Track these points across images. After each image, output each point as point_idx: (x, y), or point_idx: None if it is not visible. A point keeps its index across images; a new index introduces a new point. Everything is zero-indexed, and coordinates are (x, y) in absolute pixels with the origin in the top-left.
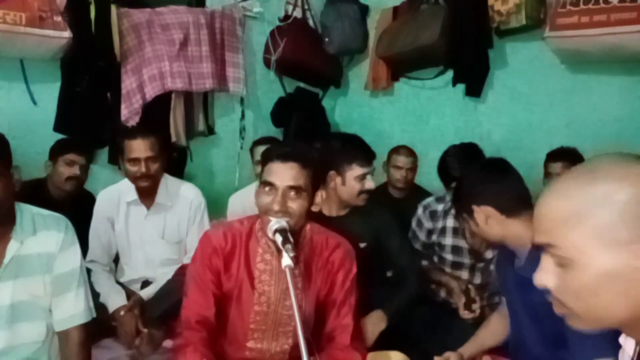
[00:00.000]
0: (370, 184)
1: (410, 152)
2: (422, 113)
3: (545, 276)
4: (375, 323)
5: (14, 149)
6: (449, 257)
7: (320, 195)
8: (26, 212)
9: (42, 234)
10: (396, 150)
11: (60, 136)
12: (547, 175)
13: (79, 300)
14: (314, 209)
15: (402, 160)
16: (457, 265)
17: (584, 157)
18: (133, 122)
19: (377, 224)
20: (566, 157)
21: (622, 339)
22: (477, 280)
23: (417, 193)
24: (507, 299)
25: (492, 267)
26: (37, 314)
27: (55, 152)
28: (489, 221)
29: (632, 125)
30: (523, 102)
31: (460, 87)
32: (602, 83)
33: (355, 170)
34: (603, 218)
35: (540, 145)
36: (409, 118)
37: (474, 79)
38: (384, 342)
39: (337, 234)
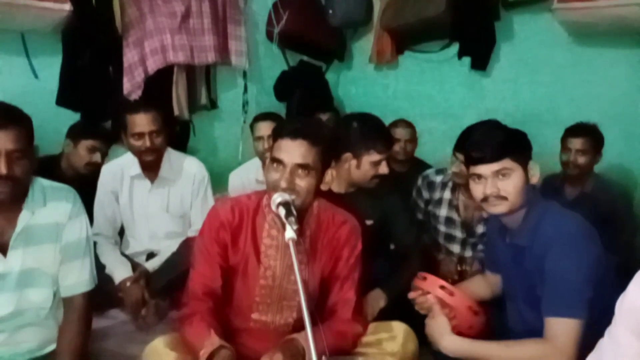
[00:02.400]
0: (385, 169)
1: (408, 124)
2: (427, 87)
3: None
4: (375, 301)
5: None
6: (442, 228)
7: (330, 174)
8: (37, 184)
9: (51, 204)
10: (394, 123)
11: (64, 113)
12: (565, 150)
13: (84, 269)
14: (323, 187)
15: (399, 132)
16: (449, 238)
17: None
18: (135, 95)
19: (386, 203)
20: (587, 133)
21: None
22: (468, 254)
23: (419, 167)
24: (502, 272)
25: (480, 246)
26: (44, 281)
27: (77, 134)
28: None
29: None
30: (529, 75)
31: (466, 60)
32: (609, 56)
33: (373, 156)
34: None
35: (546, 119)
36: (413, 92)
37: (479, 52)
38: (386, 314)
39: (344, 210)
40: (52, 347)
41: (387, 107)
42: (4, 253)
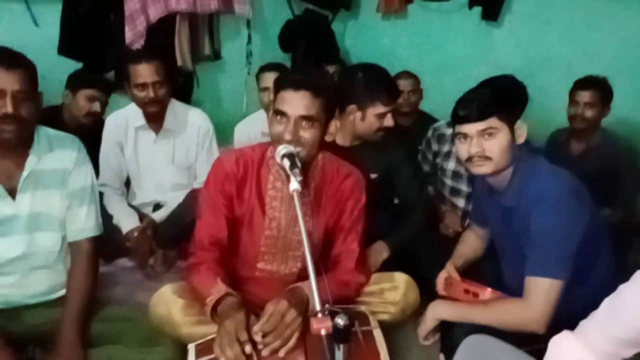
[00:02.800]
0: (390, 121)
1: (411, 75)
2: (436, 38)
3: None
4: (378, 253)
5: None
6: (448, 182)
7: (334, 125)
8: (43, 132)
9: (57, 151)
10: (396, 75)
11: (66, 63)
12: (573, 103)
13: (90, 216)
14: (328, 138)
15: (402, 83)
16: (455, 192)
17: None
18: (138, 45)
19: (390, 157)
20: (596, 86)
21: None
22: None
23: (425, 120)
24: (492, 230)
25: None
26: (53, 225)
27: (75, 84)
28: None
29: None
30: (541, 27)
31: (477, 10)
32: (624, 8)
33: (378, 108)
34: None
35: (557, 73)
36: (422, 43)
37: (491, 2)
38: (388, 265)
39: (348, 163)
40: (63, 292)
41: (394, 58)
42: (13, 196)
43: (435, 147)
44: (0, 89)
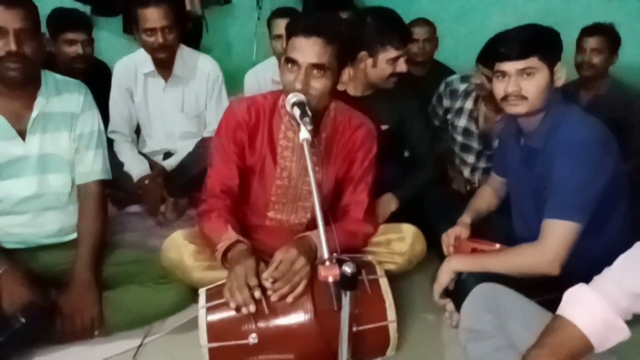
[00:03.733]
0: (403, 66)
1: (426, 22)
2: None
3: None
4: (387, 204)
5: None
6: (459, 138)
7: (347, 74)
8: (49, 76)
9: (64, 95)
10: (411, 23)
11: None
12: (580, 50)
13: (98, 159)
14: (340, 88)
15: (417, 31)
16: (465, 148)
17: (620, 35)
18: None
19: (402, 108)
20: (602, 32)
21: None
22: (482, 164)
23: (439, 70)
24: (510, 176)
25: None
26: (63, 167)
27: (52, 29)
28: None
29: None
30: None
31: None
32: None
33: (390, 53)
34: None
35: (577, 20)
36: None
37: None
38: (396, 217)
39: (361, 113)
40: (74, 235)
41: (409, 5)
42: (23, 137)
43: (447, 102)
44: (2, 26)
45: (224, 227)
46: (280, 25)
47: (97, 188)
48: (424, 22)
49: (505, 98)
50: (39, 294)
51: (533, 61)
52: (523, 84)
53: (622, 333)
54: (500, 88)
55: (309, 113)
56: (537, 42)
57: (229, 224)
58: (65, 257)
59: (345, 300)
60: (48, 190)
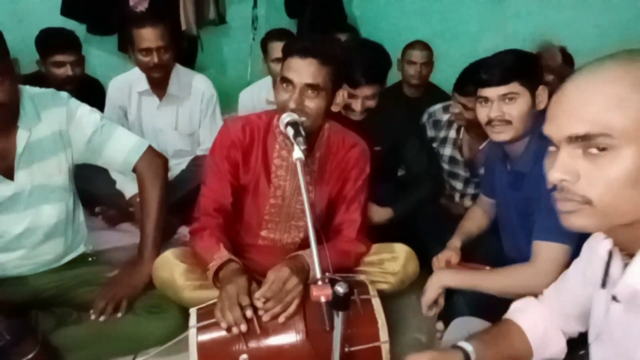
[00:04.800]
0: (355, 106)
1: (425, 46)
2: (445, 7)
3: (566, 169)
4: (383, 211)
5: (16, 36)
6: (446, 166)
7: (341, 95)
8: (25, 96)
9: (45, 115)
10: (411, 45)
11: (71, 26)
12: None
13: (125, 139)
14: (334, 109)
15: (416, 54)
16: (453, 175)
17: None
18: (142, 7)
19: (397, 129)
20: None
21: (596, 239)
22: (470, 190)
23: (433, 92)
24: (498, 199)
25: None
26: (56, 195)
27: (40, 52)
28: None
29: None
30: None
31: None
32: None
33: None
34: None
35: (568, 44)
36: (430, 12)
37: None
38: (389, 236)
39: (354, 133)
40: (70, 257)
41: (402, 27)
42: (11, 176)
43: (431, 132)
44: None
45: (216, 246)
46: (277, 48)
47: (146, 160)
48: (422, 45)
49: (489, 123)
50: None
51: (514, 86)
52: (505, 109)
53: (559, 345)
54: (483, 113)
55: (303, 133)
56: (517, 67)
57: (221, 243)
58: (57, 280)
59: (338, 320)
60: (41, 223)
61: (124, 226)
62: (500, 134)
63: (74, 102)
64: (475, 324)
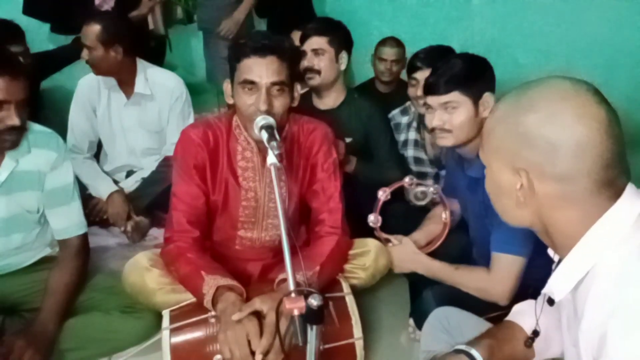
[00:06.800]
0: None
1: (397, 43)
2: (413, 6)
3: (440, 119)
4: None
5: None
6: (413, 167)
7: (298, 89)
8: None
9: (35, 151)
10: (382, 42)
11: (34, 25)
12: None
13: (73, 214)
14: (294, 104)
15: (387, 51)
16: (421, 175)
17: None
18: (107, 6)
19: (368, 122)
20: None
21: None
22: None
23: (404, 88)
24: (459, 200)
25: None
26: (28, 226)
27: None
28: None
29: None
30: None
31: None
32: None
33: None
34: (500, 136)
35: (531, 47)
36: (400, 10)
37: None
38: (359, 231)
39: (312, 118)
40: (36, 258)
41: (372, 25)
42: None
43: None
44: (5, 99)
45: (197, 276)
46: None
47: (76, 242)
48: (394, 42)
49: (432, 130)
50: None
51: (454, 95)
52: (446, 117)
53: (560, 345)
54: (429, 120)
55: (277, 137)
56: (458, 77)
57: (201, 271)
58: (24, 282)
59: (312, 334)
60: (11, 247)
61: (93, 229)
62: (443, 139)
63: (65, 151)
64: (454, 313)
